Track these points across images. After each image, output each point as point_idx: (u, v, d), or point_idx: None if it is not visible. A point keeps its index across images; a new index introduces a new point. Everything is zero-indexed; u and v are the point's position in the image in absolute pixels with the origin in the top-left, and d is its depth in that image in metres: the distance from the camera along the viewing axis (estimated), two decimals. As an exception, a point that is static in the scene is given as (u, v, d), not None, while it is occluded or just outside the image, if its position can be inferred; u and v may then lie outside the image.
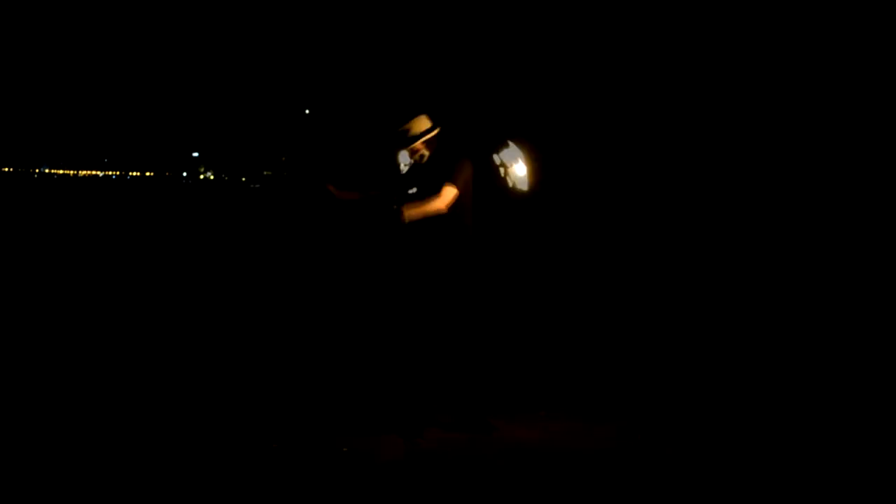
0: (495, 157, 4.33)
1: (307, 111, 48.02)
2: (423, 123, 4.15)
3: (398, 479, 3.45)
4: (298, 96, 51.95)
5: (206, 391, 4.69)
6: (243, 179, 69.22)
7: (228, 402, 4.46)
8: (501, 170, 4.31)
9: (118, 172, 79.39)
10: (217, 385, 4.81)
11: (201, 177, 79.30)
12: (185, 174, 78.07)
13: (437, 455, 3.75)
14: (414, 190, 4.06)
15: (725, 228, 10.28)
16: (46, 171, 78.31)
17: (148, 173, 79.10)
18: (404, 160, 4.28)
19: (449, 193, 3.93)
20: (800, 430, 4.08)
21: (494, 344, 5.02)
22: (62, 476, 3.36)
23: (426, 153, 4.14)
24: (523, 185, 4.30)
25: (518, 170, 4.29)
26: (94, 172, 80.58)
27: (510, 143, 4.33)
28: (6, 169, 73.26)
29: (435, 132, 4.14)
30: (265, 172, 65.69)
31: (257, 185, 55.49)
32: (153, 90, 76.91)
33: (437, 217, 3.95)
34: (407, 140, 4.11)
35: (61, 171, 78.46)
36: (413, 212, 3.90)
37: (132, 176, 78.28)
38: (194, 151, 79.24)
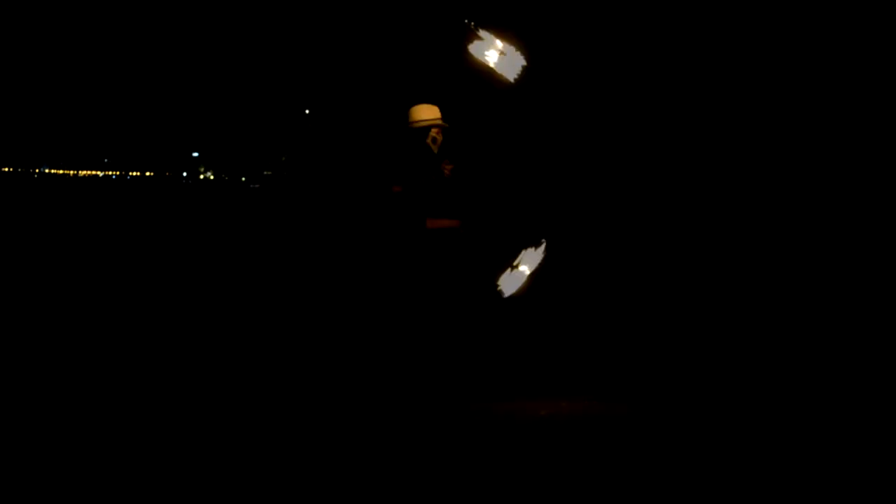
0: (471, 51, 4.29)
1: (307, 111, 48.00)
2: (430, 110, 4.28)
3: (402, 473, 3.50)
4: (298, 96, 51.96)
5: (206, 392, 4.71)
6: (243, 179, 69.18)
7: (228, 403, 4.49)
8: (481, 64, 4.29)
9: (118, 172, 79.23)
10: (217, 386, 4.84)
11: (201, 177, 79.21)
12: (185, 174, 77.93)
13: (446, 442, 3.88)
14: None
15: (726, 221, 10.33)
16: (46, 171, 78.13)
17: (148, 173, 78.96)
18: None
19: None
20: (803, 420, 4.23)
21: (511, 328, 5.18)
22: (62, 476, 3.36)
23: (440, 138, 4.29)
24: (504, 72, 4.28)
25: (490, 57, 4.28)
26: (94, 172, 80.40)
27: (480, 33, 4.29)
28: (6, 169, 73.11)
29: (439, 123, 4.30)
30: (265, 172, 65.61)
31: (257, 185, 55.44)
32: (153, 90, 76.83)
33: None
34: (428, 128, 4.23)
35: (61, 171, 78.29)
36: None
37: (132, 176, 78.15)
38: (194, 151, 79.16)
